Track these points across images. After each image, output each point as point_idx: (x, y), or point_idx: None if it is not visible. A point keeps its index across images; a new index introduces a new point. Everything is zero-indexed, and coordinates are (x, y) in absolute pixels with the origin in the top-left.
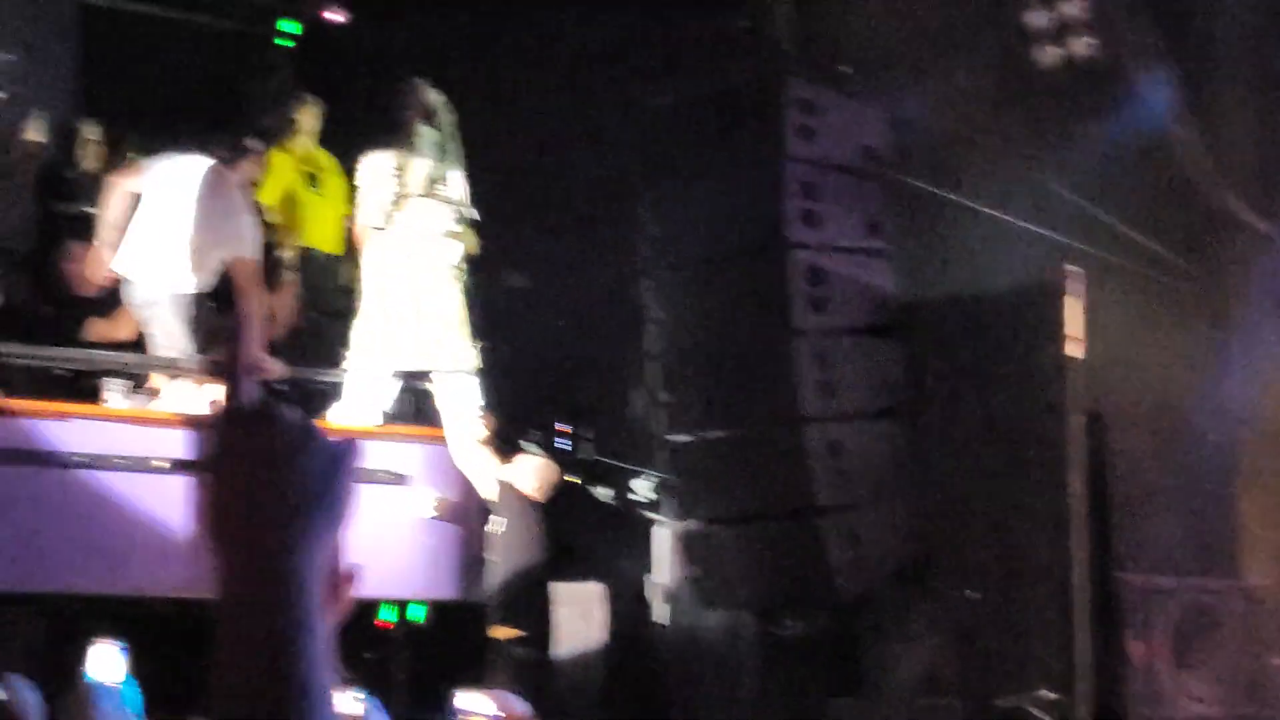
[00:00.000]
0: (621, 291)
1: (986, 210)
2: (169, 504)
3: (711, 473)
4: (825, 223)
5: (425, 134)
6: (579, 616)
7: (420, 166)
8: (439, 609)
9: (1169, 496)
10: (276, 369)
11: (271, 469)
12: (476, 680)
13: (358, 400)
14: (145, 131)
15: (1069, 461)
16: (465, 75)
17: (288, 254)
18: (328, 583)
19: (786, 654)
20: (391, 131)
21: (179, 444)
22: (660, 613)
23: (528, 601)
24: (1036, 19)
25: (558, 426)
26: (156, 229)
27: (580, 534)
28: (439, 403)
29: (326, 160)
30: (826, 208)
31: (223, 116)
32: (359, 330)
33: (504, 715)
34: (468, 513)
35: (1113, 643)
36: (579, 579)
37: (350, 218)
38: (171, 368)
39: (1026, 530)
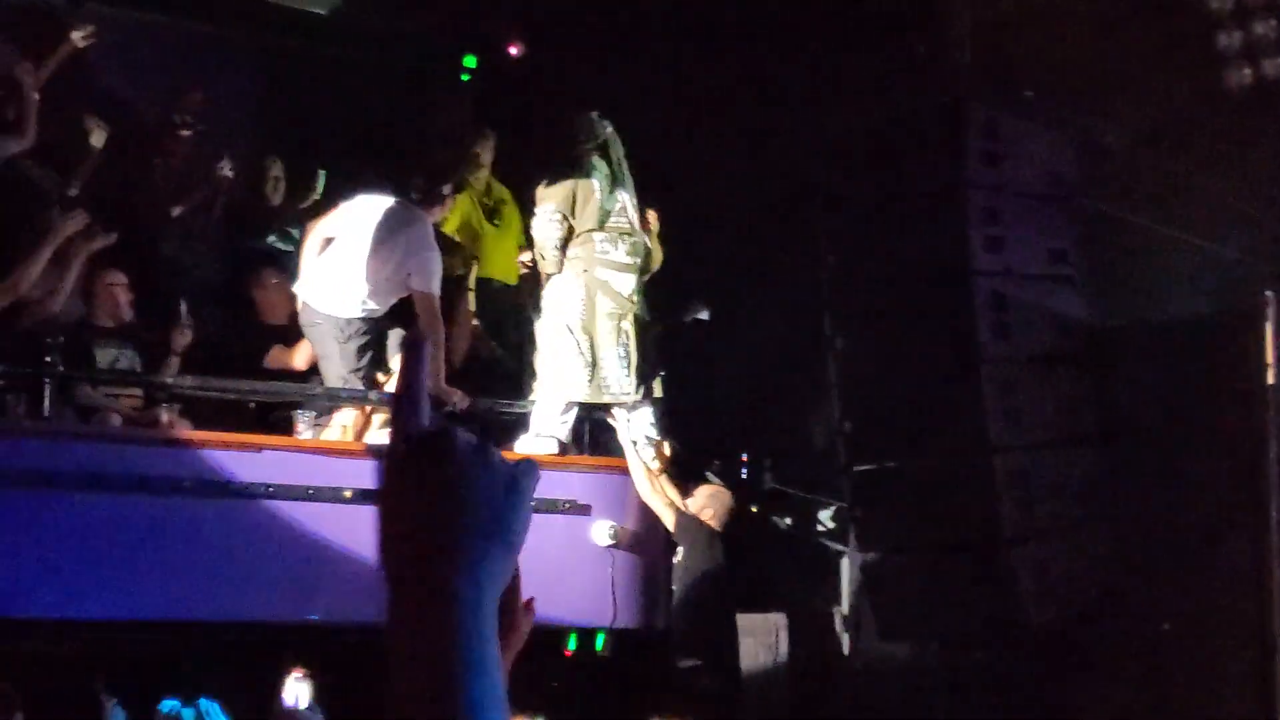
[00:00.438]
0: (802, 320)
1: (1178, 234)
2: (356, 534)
3: (894, 502)
4: (1010, 249)
5: (598, 166)
6: (763, 646)
7: (595, 199)
8: (619, 638)
9: None
10: (459, 400)
11: (445, 493)
12: (659, 710)
13: (539, 430)
14: (330, 168)
15: (1268, 492)
16: (642, 107)
17: (467, 286)
18: (506, 611)
19: (973, 686)
20: (565, 164)
21: (364, 473)
22: (844, 642)
23: (712, 631)
24: (1227, 39)
25: (739, 456)
26: (339, 258)
27: (763, 564)
28: (620, 433)
29: (504, 193)
30: (1011, 233)
31: (405, 151)
32: (539, 361)
33: None
34: (648, 542)
35: None
36: (762, 609)
37: (526, 249)
38: (339, 399)
39: (1222, 564)
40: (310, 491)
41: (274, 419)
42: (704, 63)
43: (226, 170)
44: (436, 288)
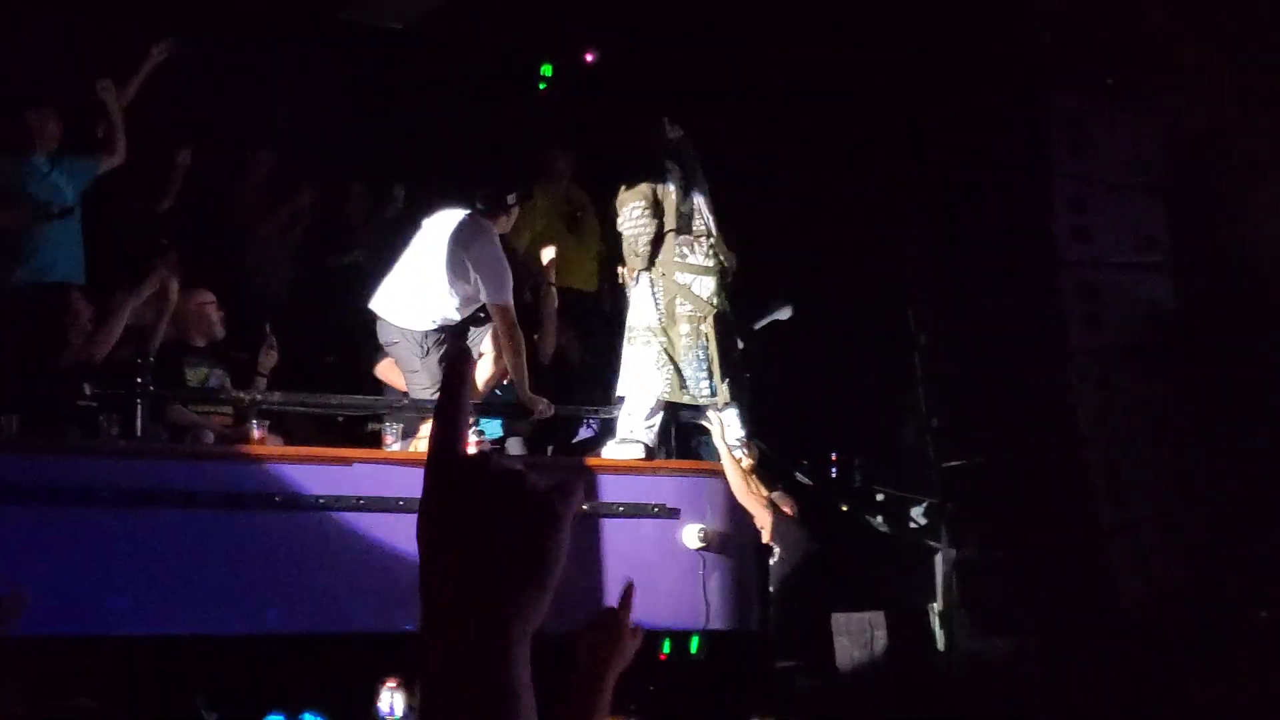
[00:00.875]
0: (889, 316)
1: (1266, 217)
2: None
3: (986, 497)
4: (1098, 238)
5: (672, 170)
6: (859, 645)
7: (671, 201)
8: (714, 640)
9: None
10: (544, 408)
11: (479, 531)
12: (758, 711)
13: (625, 435)
14: (410, 183)
15: None
16: (720, 109)
17: (549, 294)
18: (611, 631)
19: (1073, 679)
20: (641, 169)
21: None
22: (940, 639)
23: (809, 631)
24: None
25: (829, 455)
26: (411, 273)
27: (857, 563)
28: (714, 436)
29: (584, 201)
30: (1099, 222)
31: (486, 164)
32: (625, 367)
33: None
34: (737, 544)
35: None
36: (857, 607)
37: (604, 254)
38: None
39: None
40: (400, 503)
41: (362, 433)
42: (780, 61)
43: (308, 190)
44: (508, 297)
